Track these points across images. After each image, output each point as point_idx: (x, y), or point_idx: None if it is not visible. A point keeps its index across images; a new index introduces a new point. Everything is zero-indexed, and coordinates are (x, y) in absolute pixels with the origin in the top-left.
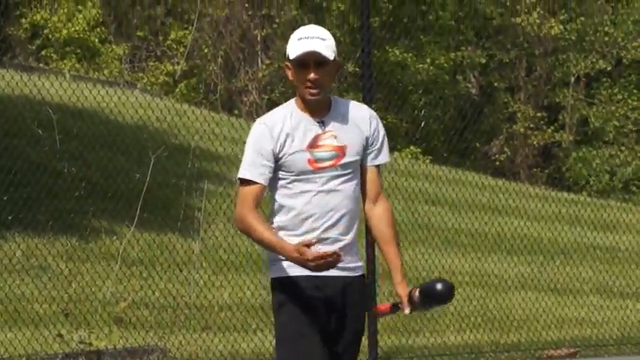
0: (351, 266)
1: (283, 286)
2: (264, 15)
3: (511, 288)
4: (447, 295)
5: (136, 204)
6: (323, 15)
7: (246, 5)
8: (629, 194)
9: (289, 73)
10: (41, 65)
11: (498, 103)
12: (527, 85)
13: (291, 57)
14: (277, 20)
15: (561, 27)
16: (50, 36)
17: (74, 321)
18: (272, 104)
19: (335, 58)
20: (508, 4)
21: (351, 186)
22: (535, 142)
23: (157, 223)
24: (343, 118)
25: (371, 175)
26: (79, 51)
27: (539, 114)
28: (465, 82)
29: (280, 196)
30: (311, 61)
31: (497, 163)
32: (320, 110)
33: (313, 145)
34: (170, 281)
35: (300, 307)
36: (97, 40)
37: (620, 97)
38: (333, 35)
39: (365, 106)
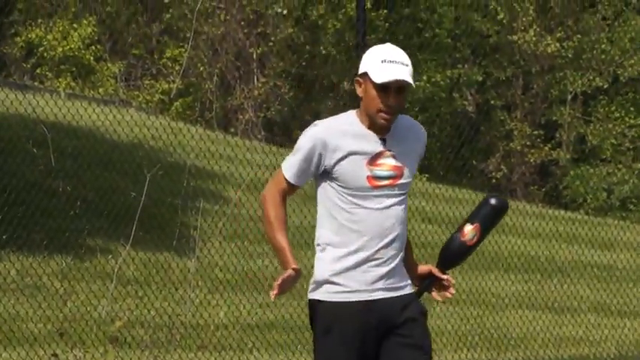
0: (402, 285)
1: (331, 310)
2: (260, 33)
3: (508, 306)
4: (503, 205)
5: (131, 223)
6: (319, 33)
7: (242, 23)
8: (626, 212)
9: (359, 90)
10: (36, 84)
11: (495, 121)
12: (523, 103)
13: (375, 80)
14: (273, 38)
15: (558, 45)
16: (45, 54)
17: (69, 340)
18: (268, 122)
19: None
20: (505, 22)
21: (404, 208)
22: (532, 160)
23: (153, 241)
24: (402, 138)
25: None
26: (74, 69)
27: (536, 132)
28: (461, 100)
29: (333, 211)
30: (394, 86)
31: (494, 180)
32: (383, 129)
33: (373, 162)
34: (166, 300)
35: (348, 336)
36: (92, 58)
37: (617, 114)
38: (328, 54)
39: (419, 125)
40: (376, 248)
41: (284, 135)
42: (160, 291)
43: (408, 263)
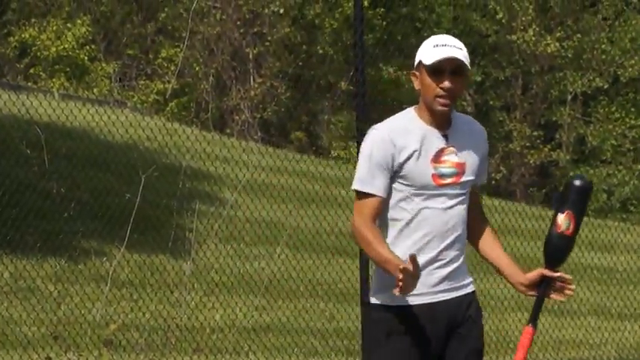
0: (464, 283)
1: (395, 314)
2: (256, 33)
3: (508, 309)
4: (587, 183)
5: (126, 225)
6: (316, 32)
7: (238, 23)
8: (627, 214)
9: (416, 82)
10: (30, 84)
11: (494, 122)
12: (523, 104)
13: (427, 62)
14: (269, 38)
15: (558, 45)
16: (39, 54)
17: (63, 344)
18: (264, 123)
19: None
20: (504, 21)
21: (465, 207)
22: (532, 161)
23: (148, 244)
24: (463, 134)
25: (476, 193)
26: (68, 69)
27: (535, 132)
28: (460, 100)
29: (395, 210)
30: (448, 68)
31: (494, 182)
32: (444, 123)
33: (437, 159)
34: (161, 303)
35: (412, 340)
36: (86, 58)
37: (617, 115)
38: (325, 54)
39: (477, 123)
40: (439, 249)
41: (280, 136)
42: (155, 293)
43: (507, 265)
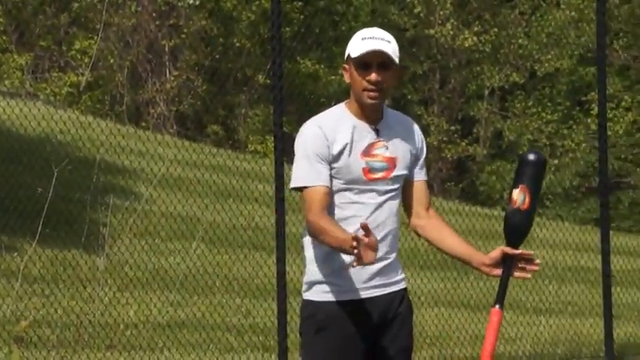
0: (396, 279)
1: (325, 310)
2: (172, 25)
3: (424, 304)
4: (540, 156)
5: (37, 219)
6: (233, 25)
7: (154, 15)
8: (542, 209)
9: (346, 76)
10: None
11: (412, 116)
12: (440, 98)
13: (354, 55)
14: (185, 30)
15: (475, 39)
16: None
17: None
18: (180, 116)
19: (399, 62)
20: (422, 15)
21: (397, 202)
22: (449, 156)
23: (60, 238)
24: (395, 129)
25: (421, 187)
26: None
27: (453, 127)
28: None
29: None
30: (374, 61)
31: None
32: (374, 117)
33: (368, 153)
34: (73, 299)
35: (342, 335)
36: None
37: (534, 110)
38: (242, 46)
39: (411, 119)
40: None
41: (197, 129)
42: (68, 289)
43: (466, 250)
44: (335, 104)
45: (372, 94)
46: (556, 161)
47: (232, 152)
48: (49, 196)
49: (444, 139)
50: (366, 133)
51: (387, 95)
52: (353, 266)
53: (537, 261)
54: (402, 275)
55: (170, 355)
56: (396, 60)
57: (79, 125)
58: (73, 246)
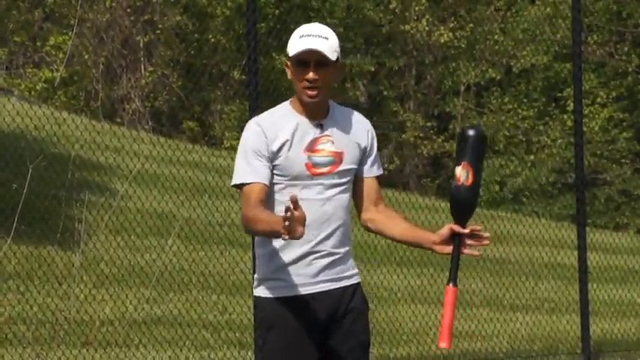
0: (346, 275)
1: (274, 307)
2: (147, 20)
3: (400, 301)
4: (480, 130)
5: (12, 215)
6: (208, 21)
7: (128, 10)
8: (519, 205)
9: (289, 73)
10: None
11: (388, 112)
12: (416, 94)
13: (291, 54)
14: (160, 26)
15: (451, 35)
16: None
17: None
18: (155, 112)
19: (338, 60)
20: (397, 11)
21: (346, 197)
22: (425, 152)
23: (35, 235)
24: (341, 124)
25: (369, 185)
26: None
27: (429, 123)
28: (353, 90)
29: (273, 204)
30: (311, 60)
31: (387, 172)
32: (318, 113)
33: (311, 148)
34: (49, 295)
35: (293, 331)
36: None
37: (510, 106)
38: (217, 42)
39: (362, 116)
40: (317, 240)
41: (172, 125)
42: (43, 286)
43: (416, 233)
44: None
45: (310, 92)
46: (532, 157)
47: (208, 148)
48: (23, 193)
49: (420, 135)
50: (309, 129)
51: (326, 92)
52: (284, 239)
53: (486, 234)
54: (354, 270)
55: (146, 352)
56: (333, 57)
57: (53, 121)
58: (48, 242)
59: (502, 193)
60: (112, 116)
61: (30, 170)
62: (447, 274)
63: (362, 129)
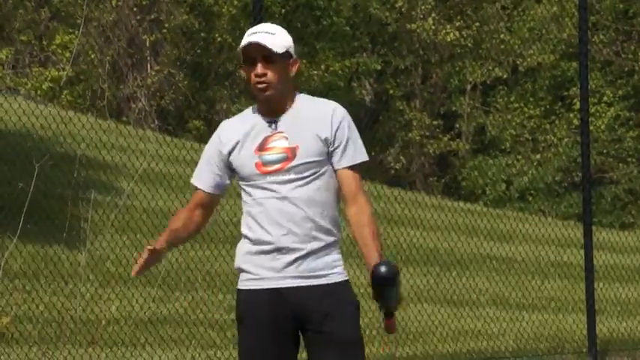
0: (318, 273)
1: (242, 299)
2: (153, 19)
3: (406, 300)
4: (386, 277)
5: (19, 215)
6: (214, 20)
7: (135, 9)
8: (525, 204)
9: (245, 75)
10: None
11: (394, 111)
12: (423, 93)
13: (238, 50)
14: (167, 25)
15: (457, 33)
16: None
17: None
18: (162, 111)
19: (289, 54)
20: (403, 10)
21: (307, 191)
22: (431, 151)
23: (42, 234)
24: (299, 118)
25: (342, 177)
26: None
27: (435, 122)
28: (360, 89)
29: (242, 203)
30: (258, 55)
31: (393, 172)
32: (274, 110)
33: (262, 147)
34: (55, 294)
35: (258, 323)
36: None
37: (516, 105)
38: (224, 41)
39: (332, 103)
40: (278, 235)
41: (178, 124)
42: (49, 285)
43: (364, 249)
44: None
45: (259, 86)
46: (538, 156)
47: None
48: (30, 192)
49: (427, 134)
50: (262, 128)
51: (278, 87)
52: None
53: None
54: (332, 270)
55: (152, 351)
56: (279, 50)
57: (59, 120)
58: (54, 241)
59: (508, 192)
60: (118, 115)
61: (36, 169)
62: (452, 273)
63: (324, 119)
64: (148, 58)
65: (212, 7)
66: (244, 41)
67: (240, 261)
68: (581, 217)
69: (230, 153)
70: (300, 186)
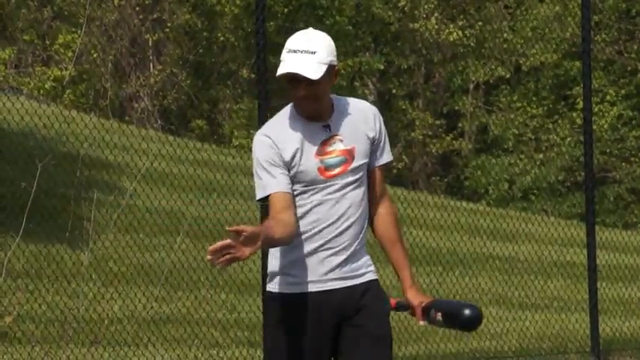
0: (358, 273)
1: (285, 302)
2: (156, 19)
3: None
4: (474, 322)
5: (21, 214)
6: (217, 19)
7: (137, 9)
8: (528, 203)
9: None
10: None
11: (397, 110)
12: (425, 92)
13: (278, 73)
14: (169, 24)
15: (460, 33)
16: None
17: None
18: (164, 111)
19: (332, 65)
20: (406, 9)
21: (360, 192)
22: (434, 150)
23: (44, 233)
24: (347, 119)
25: (374, 175)
26: None
27: (438, 121)
28: (362, 89)
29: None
30: (300, 77)
31: (396, 171)
32: (322, 115)
33: (322, 152)
34: (58, 294)
35: (298, 328)
36: None
37: (519, 104)
38: (226, 41)
39: (366, 103)
40: (329, 237)
41: (181, 124)
42: (52, 284)
43: (400, 272)
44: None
45: (304, 105)
46: (541, 155)
47: (217, 147)
48: (32, 191)
49: (429, 133)
50: (317, 132)
51: (323, 99)
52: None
53: (421, 323)
54: (368, 268)
55: (155, 351)
56: (320, 73)
57: (62, 120)
58: (57, 241)
59: (511, 191)
60: (120, 115)
61: (39, 169)
62: (455, 273)
63: (368, 118)
64: (151, 58)
65: (215, 7)
66: (284, 65)
67: (280, 264)
68: (584, 217)
69: (292, 159)
70: (354, 188)
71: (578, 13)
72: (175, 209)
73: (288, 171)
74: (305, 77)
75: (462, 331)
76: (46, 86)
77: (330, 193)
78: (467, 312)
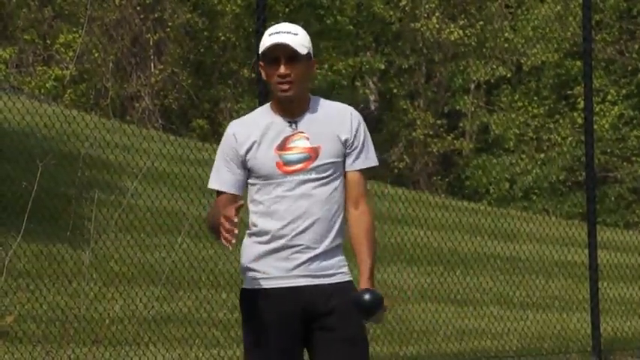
0: (328, 272)
1: (253, 297)
2: (157, 18)
3: (410, 299)
4: (370, 306)
5: (22, 214)
6: (217, 19)
7: (138, 8)
8: (529, 203)
9: (263, 74)
10: None
11: (397, 110)
12: (426, 92)
13: (261, 51)
14: (170, 24)
15: (461, 32)
16: None
17: None
18: (165, 110)
19: (310, 54)
20: (407, 9)
21: (327, 191)
22: (435, 150)
23: (45, 233)
24: (319, 119)
25: (350, 179)
26: None
27: (439, 121)
28: (363, 89)
29: (253, 204)
30: (281, 55)
31: (397, 171)
32: (294, 110)
33: (282, 147)
34: (59, 294)
35: (270, 322)
36: None
37: (520, 104)
38: (227, 40)
39: (348, 106)
40: (292, 235)
41: (182, 123)
42: (53, 284)
43: (357, 260)
44: (320, 97)
45: (283, 86)
46: (542, 155)
47: (218, 146)
48: (33, 191)
49: (430, 133)
50: (282, 128)
51: (300, 87)
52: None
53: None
54: (340, 270)
55: (156, 350)
56: (303, 51)
57: (63, 119)
58: (58, 240)
59: (512, 191)
60: (121, 114)
61: (40, 168)
62: (456, 272)
63: (344, 120)
64: (152, 57)
65: (215, 6)
66: (267, 41)
67: (247, 260)
68: (585, 216)
69: (247, 152)
70: (320, 185)
71: (579, 13)
72: (176, 209)
73: (243, 166)
74: (290, 48)
75: (364, 316)
76: (47, 86)
77: (289, 190)
78: (366, 296)
